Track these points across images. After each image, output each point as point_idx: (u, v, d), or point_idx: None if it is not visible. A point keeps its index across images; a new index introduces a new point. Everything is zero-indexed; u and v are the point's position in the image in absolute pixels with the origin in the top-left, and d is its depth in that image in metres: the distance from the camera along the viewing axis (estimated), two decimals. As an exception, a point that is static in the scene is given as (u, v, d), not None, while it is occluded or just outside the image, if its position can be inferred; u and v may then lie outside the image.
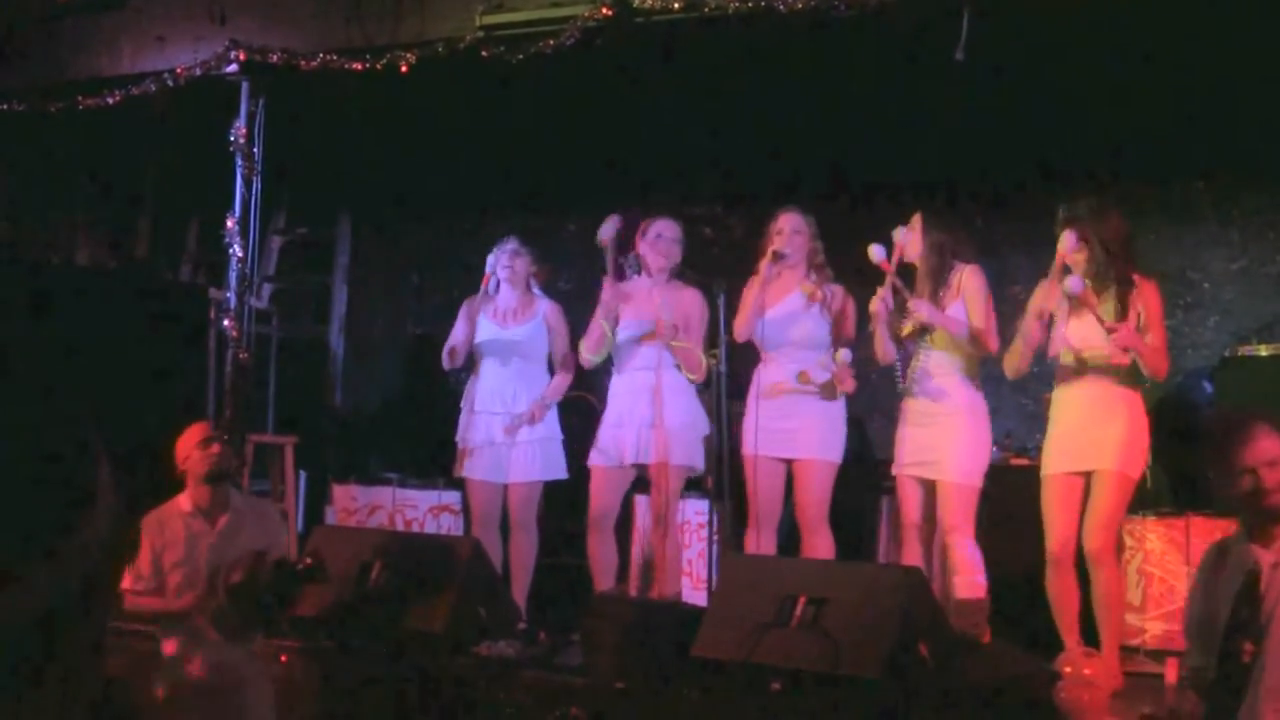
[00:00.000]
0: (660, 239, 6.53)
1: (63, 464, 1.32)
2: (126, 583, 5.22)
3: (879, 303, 5.93)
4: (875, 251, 5.91)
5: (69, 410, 1.38)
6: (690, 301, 6.50)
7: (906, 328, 5.93)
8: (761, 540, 6.23)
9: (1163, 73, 6.90)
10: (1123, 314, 5.55)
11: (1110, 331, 5.48)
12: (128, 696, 5.23)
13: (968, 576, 5.77)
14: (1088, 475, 5.61)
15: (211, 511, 5.32)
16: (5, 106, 8.12)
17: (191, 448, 5.31)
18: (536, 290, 6.95)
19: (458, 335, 6.89)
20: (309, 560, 5.18)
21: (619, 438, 6.48)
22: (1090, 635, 5.58)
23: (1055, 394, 5.82)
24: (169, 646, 5.15)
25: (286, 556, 5.33)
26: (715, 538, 6.10)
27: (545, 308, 6.88)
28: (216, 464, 5.28)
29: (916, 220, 6.00)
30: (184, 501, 5.32)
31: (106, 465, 1.36)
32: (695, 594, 6.86)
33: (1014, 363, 5.83)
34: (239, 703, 5.10)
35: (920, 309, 5.84)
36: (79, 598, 1.28)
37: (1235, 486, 3.86)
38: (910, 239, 5.97)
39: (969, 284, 5.92)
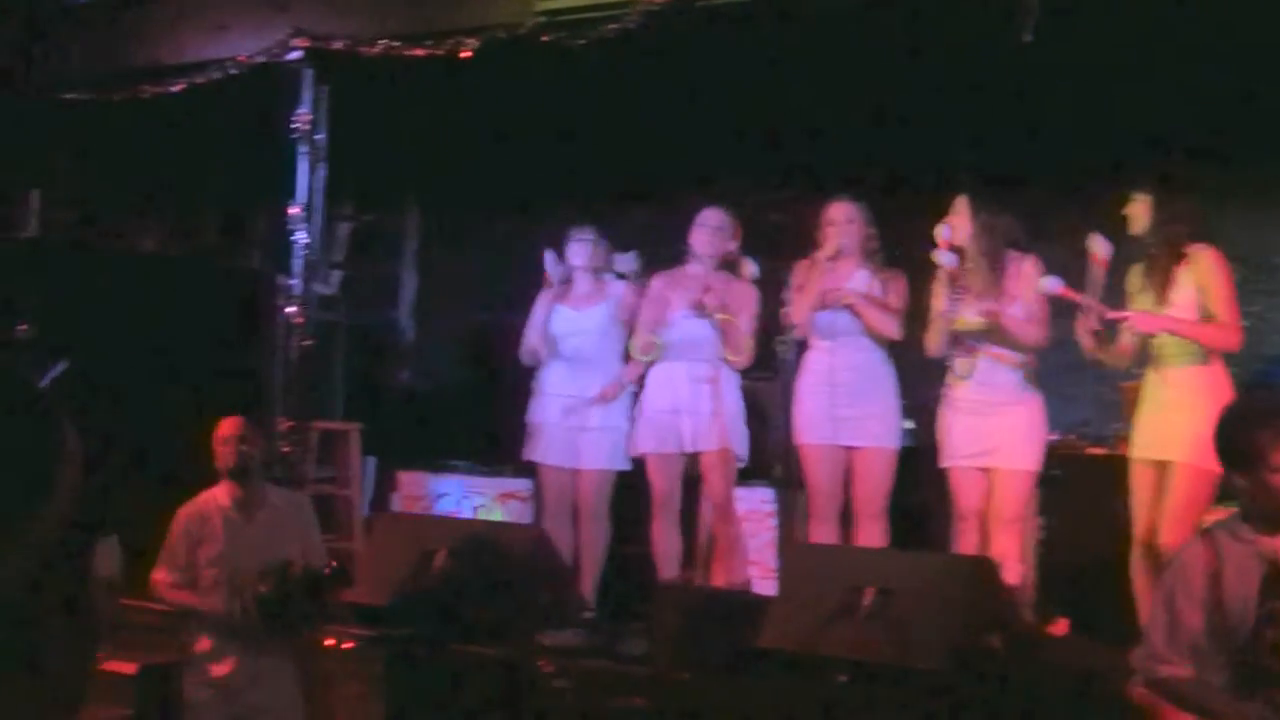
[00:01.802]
0: (703, 228, 6.51)
1: (23, 449, 1.31)
2: (161, 574, 5.23)
3: (943, 301, 5.83)
4: (1050, 284, 5.70)
5: (31, 395, 1.36)
6: (739, 291, 6.46)
7: (964, 322, 5.80)
8: (826, 531, 6.16)
9: (1237, 51, 6.74)
10: (1163, 287, 5.43)
11: (1122, 321, 5.41)
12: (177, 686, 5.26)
13: (1007, 565, 5.66)
14: (1161, 465, 5.48)
15: (248, 507, 5.27)
16: (70, 95, 8.17)
17: (217, 442, 5.27)
18: (609, 276, 6.92)
19: (534, 331, 6.87)
20: (333, 564, 5.14)
21: (676, 424, 6.44)
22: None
23: (1147, 378, 5.66)
24: (201, 644, 5.13)
25: (313, 560, 5.26)
26: (779, 525, 6.06)
27: (618, 292, 6.85)
28: (238, 460, 5.22)
29: (960, 204, 5.88)
30: (221, 495, 5.28)
31: (73, 445, 1.34)
32: (763, 583, 6.80)
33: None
34: (265, 704, 5.08)
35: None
36: (42, 570, 1.27)
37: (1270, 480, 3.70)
38: (957, 223, 5.86)
39: (1028, 278, 5.78)
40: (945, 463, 5.93)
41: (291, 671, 5.21)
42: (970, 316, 5.79)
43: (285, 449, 7.39)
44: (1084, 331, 5.63)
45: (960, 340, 5.84)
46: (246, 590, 5.01)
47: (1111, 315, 5.58)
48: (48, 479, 1.32)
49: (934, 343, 5.91)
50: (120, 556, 5.10)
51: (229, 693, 5.07)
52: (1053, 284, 5.67)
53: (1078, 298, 5.60)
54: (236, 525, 5.21)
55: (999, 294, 5.79)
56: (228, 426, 5.28)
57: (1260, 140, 7.17)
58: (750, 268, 6.45)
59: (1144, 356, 5.67)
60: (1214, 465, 5.38)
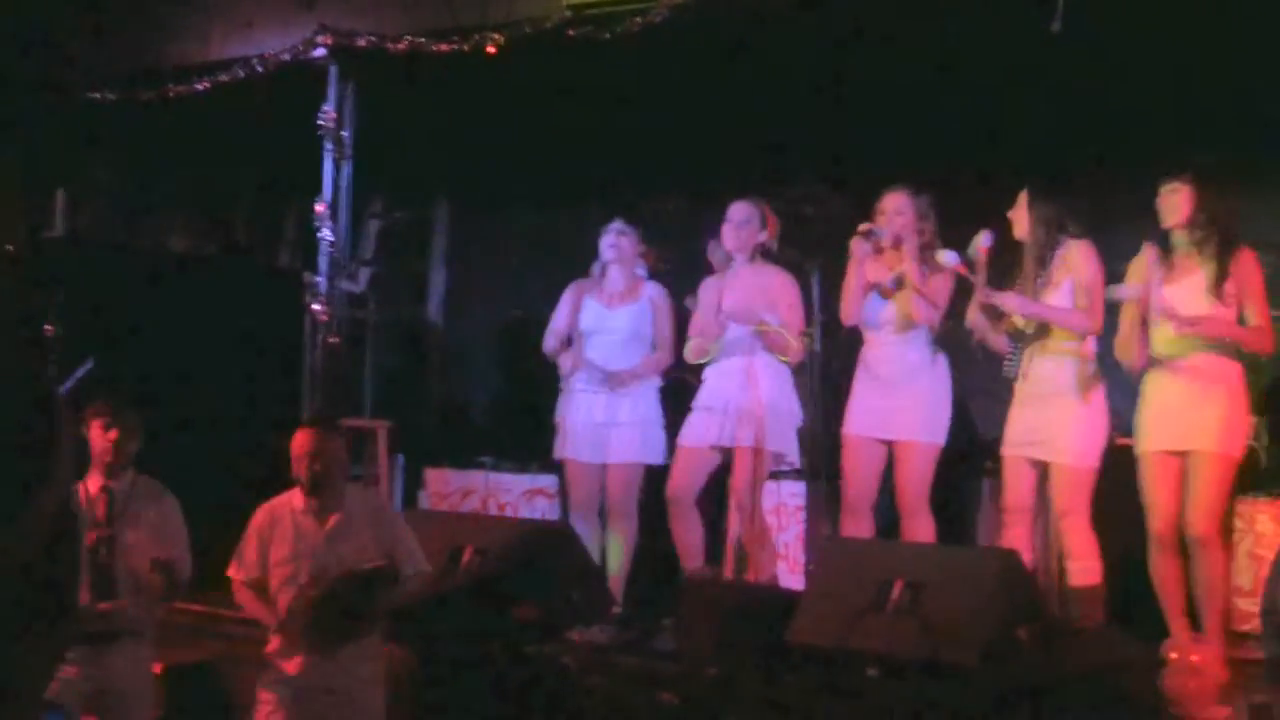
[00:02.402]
0: (729, 223, 6.48)
1: (25, 434, 1.31)
2: (231, 569, 5.18)
3: (975, 314, 5.81)
4: (947, 257, 5.81)
5: (33, 383, 1.38)
6: (777, 283, 6.43)
7: (1008, 325, 5.78)
8: (858, 524, 6.13)
9: (1269, 40, 6.67)
10: (1221, 282, 5.40)
11: (1193, 325, 5.36)
12: (221, 683, 5.26)
13: (1082, 562, 5.64)
14: (1184, 455, 5.46)
15: (321, 512, 5.14)
16: (98, 95, 8.20)
17: (292, 455, 5.13)
18: (642, 272, 6.91)
19: (560, 321, 6.87)
20: (379, 563, 5.08)
21: (708, 420, 6.42)
22: (1198, 620, 5.43)
23: (1151, 367, 5.65)
24: (272, 643, 5.11)
25: (399, 556, 5.20)
26: (807, 519, 6.03)
27: (651, 290, 6.84)
28: (309, 477, 5.09)
29: (1022, 197, 5.84)
30: (297, 498, 5.19)
31: (67, 433, 1.35)
32: (792, 578, 6.78)
33: (1124, 347, 5.67)
34: (343, 705, 5.03)
35: (1009, 303, 5.69)
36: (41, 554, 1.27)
37: None
38: (1017, 216, 5.83)
39: (1076, 260, 5.73)
40: (1003, 451, 5.89)
41: (371, 673, 5.13)
42: (1018, 315, 5.75)
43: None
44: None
45: (1013, 335, 5.80)
46: (299, 596, 4.98)
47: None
48: (47, 461, 1.33)
49: (991, 341, 5.87)
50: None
51: (299, 694, 5.00)
52: (950, 258, 5.78)
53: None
54: (307, 529, 5.13)
55: (1050, 284, 5.75)
56: (301, 442, 5.12)
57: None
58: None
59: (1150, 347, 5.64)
60: (1237, 452, 5.40)
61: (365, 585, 5.01)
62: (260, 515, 5.20)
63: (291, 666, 4.99)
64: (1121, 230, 6.36)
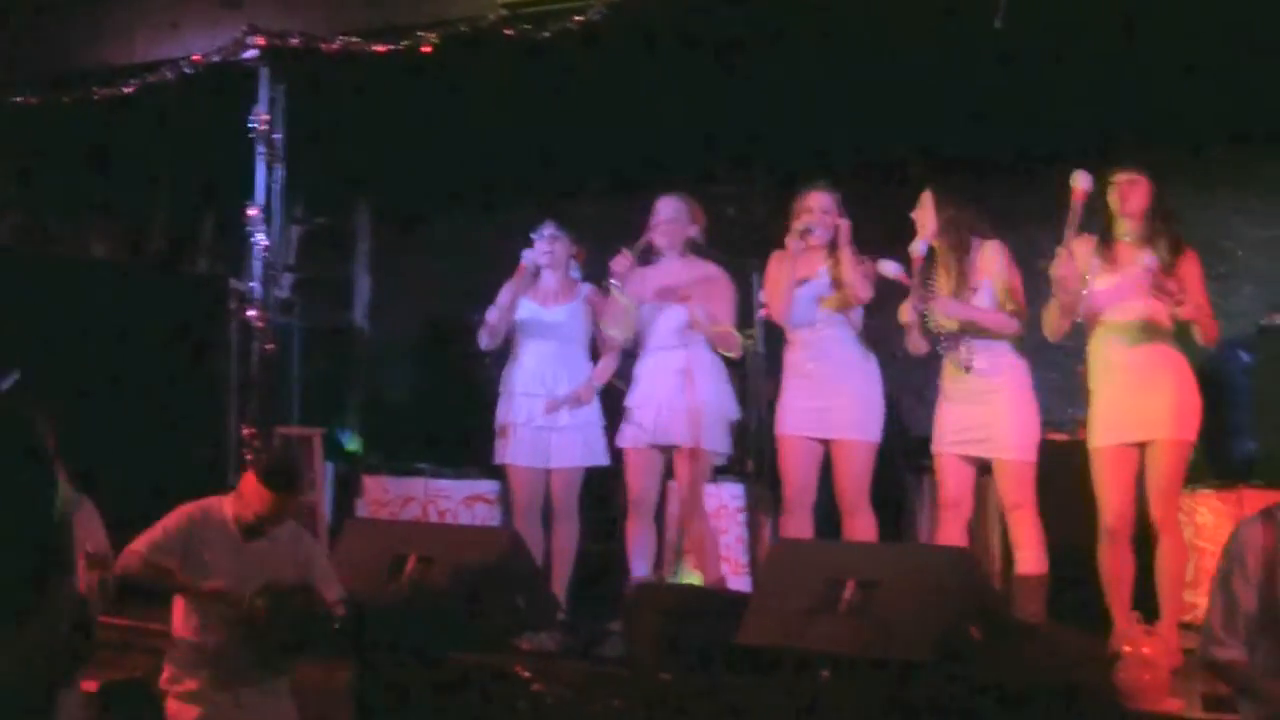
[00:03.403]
0: (658, 219, 6.45)
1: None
2: (140, 544, 4.94)
3: (910, 312, 5.82)
4: (889, 267, 5.82)
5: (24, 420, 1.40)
6: (709, 277, 6.42)
7: (943, 327, 5.80)
8: (797, 524, 6.11)
9: (1187, 38, 6.77)
10: (1171, 272, 5.45)
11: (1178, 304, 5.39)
12: (156, 700, 5.12)
13: (1030, 552, 5.68)
14: (1141, 446, 5.50)
15: (248, 534, 5.04)
16: (18, 98, 8.00)
17: (259, 507, 4.97)
18: (576, 272, 6.87)
19: (498, 311, 6.78)
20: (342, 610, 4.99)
21: (643, 418, 6.40)
22: (1145, 610, 5.46)
23: (1092, 360, 5.69)
24: (180, 660, 4.98)
25: (323, 589, 5.11)
26: (748, 521, 6.01)
27: (587, 289, 6.81)
28: (262, 524, 5.02)
29: (926, 198, 5.87)
30: (228, 507, 5.13)
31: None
32: (735, 580, 6.76)
33: (1053, 320, 5.69)
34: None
35: (944, 308, 5.71)
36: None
37: None
38: (922, 217, 5.85)
39: (989, 261, 5.79)
40: (935, 449, 5.90)
41: (284, 688, 5.04)
42: (942, 317, 5.76)
43: (247, 456, 7.26)
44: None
45: (942, 339, 5.81)
46: (253, 601, 4.86)
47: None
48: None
49: (914, 344, 5.89)
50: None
51: (215, 710, 4.91)
52: (891, 268, 5.81)
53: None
54: (233, 544, 5.04)
55: (967, 287, 5.78)
56: (270, 500, 4.96)
57: (1208, 126, 7.21)
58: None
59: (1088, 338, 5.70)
60: (1192, 435, 5.46)
61: (314, 620, 4.92)
62: (192, 511, 5.04)
63: (200, 684, 4.89)
64: (1035, 230, 6.44)
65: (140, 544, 5.01)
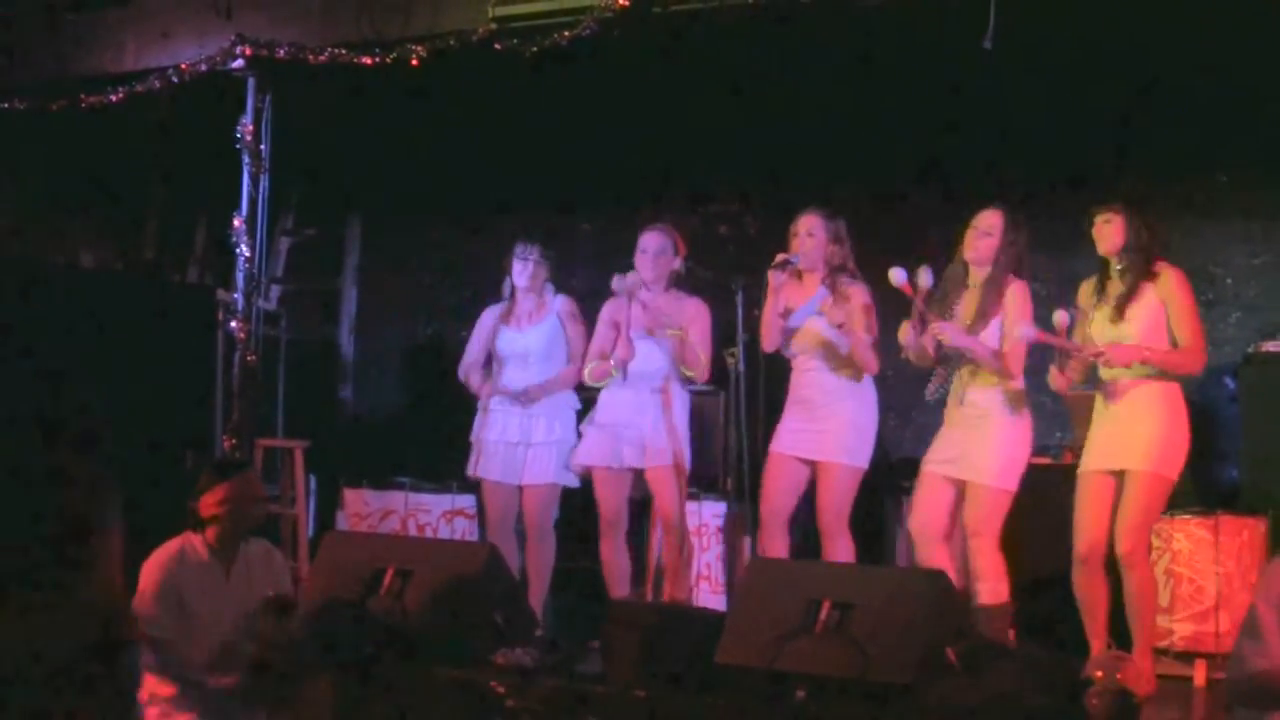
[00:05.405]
0: (644, 253, 6.47)
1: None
2: (144, 626, 4.80)
3: (909, 331, 5.81)
4: (896, 275, 5.75)
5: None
6: (691, 311, 6.45)
7: (939, 349, 5.80)
8: (772, 541, 6.12)
9: (1183, 66, 6.80)
10: (1123, 306, 5.50)
11: (1096, 357, 5.46)
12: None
13: (990, 583, 5.67)
14: (1120, 475, 5.52)
15: (224, 558, 5.05)
16: (7, 105, 8.00)
17: (228, 498, 4.99)
18: (549, 290, 6.87)
19: (473, 353, 6.84)
20: (274, 596, 4.96)
21: (623, 440, 6.42)
22: (1119, 637, 5.48)
23: (1099, 389, 5.71)
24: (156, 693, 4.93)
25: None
26: (726, 540, 6.01)
27: (558, 304, 6.82)
28: (241, 521, 5.02)
29: (991, 219, 5.80)
30: (198, 544, 5.03)
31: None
32: (714, 599, 6.75)
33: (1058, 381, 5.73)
34: None
35: (944, 333, 5.70)
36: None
37: None
38: (987, 244, 5.79)
39: (1010, 300, 5.73)
40: (922, 466, 5.91)
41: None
42: (950, 344, 5.75)
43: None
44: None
45: (944, 360, 5.81)
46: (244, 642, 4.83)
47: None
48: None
49: (915, 359, 5.89)
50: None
51: None
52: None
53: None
54: (214, 582, 5.02)
55: (983, 316, 5.75)
56: (234, 487, 5.00)
57: (1200, 153, 7.24)
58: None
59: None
60: (1171, 473, 5.47)
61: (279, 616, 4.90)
62: (165, 561, 4.97)
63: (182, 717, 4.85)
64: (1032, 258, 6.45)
65: (155, 631, 4.88)
